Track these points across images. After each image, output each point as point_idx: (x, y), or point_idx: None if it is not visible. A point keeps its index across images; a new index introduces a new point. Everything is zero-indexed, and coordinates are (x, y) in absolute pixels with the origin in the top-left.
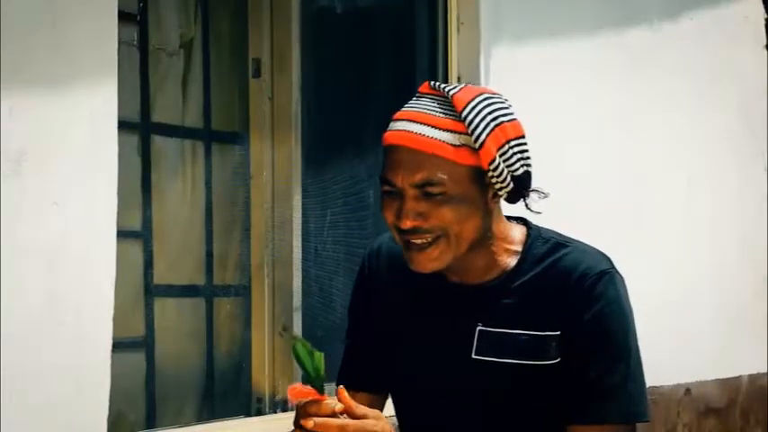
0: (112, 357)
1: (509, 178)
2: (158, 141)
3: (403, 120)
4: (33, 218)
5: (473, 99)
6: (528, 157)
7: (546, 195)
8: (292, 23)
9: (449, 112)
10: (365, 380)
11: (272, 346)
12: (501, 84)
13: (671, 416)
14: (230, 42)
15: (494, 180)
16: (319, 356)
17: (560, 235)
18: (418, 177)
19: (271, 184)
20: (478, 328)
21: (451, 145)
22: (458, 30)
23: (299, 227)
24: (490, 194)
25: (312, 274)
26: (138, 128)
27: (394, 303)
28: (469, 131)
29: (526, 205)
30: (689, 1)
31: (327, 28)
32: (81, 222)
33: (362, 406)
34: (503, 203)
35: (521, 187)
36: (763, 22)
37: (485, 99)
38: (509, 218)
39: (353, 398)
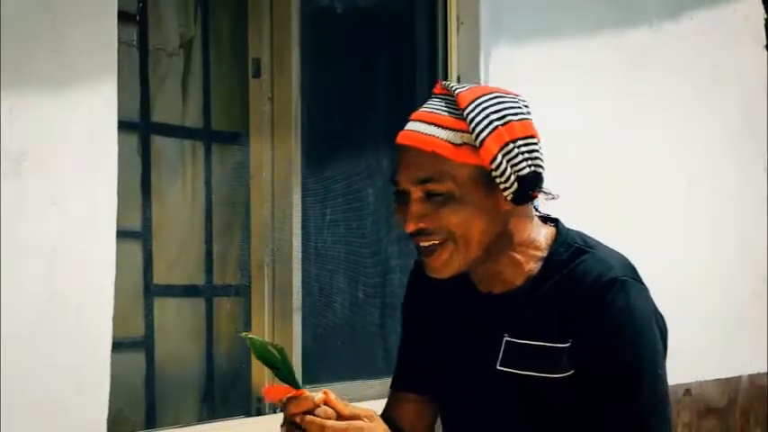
0: (112, 357)
1: (513, 178)
2: (158, 141)
3: (412, 120)
4: (33, 218)
5: (478, 98)
6: (537, 158)
7: (554, 197)
8: (292, 23)
9: (453, 111)
10: (411, 382)
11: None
12: (501, 84)
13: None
14: (230, 42)
15: (497, 180)
16: (282, 350)
17: (587, 239)
18: (416, 176)
19: (270, 183)
20: (505, 338)
21: (452, 143)
22: (458, 30)
23: (299, 226)
24: (501, 196)
25: (312, 274)
26: (138, 128)
27: (432, 312)
28: (470, 129)
29: (534, 207)
30: (689, 1)
31: (327, 28)
32: (81, 222)
33: (353, 406)
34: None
35: (527, 188)
36: (763, 22)
37: (493, 98)
38: (544, 218)
39: (403, 399)
